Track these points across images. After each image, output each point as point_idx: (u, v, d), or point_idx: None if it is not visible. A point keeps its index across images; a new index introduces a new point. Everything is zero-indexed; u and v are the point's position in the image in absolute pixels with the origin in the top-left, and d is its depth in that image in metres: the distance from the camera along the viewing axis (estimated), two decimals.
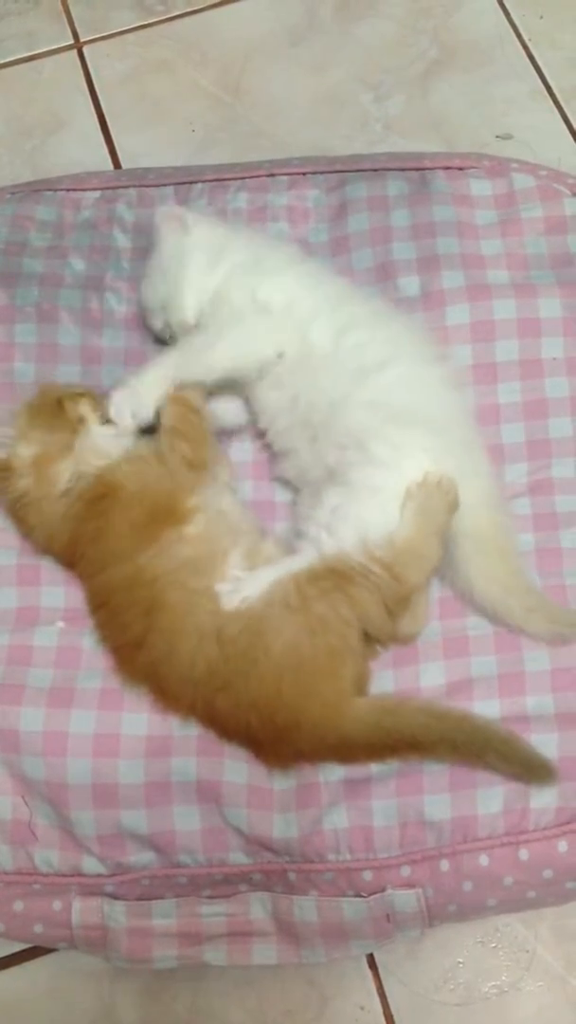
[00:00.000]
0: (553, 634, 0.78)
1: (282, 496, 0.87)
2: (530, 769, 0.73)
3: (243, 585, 0.76)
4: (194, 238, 0.87)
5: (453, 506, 0.77)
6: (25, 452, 0.80)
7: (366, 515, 0.76)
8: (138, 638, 0.76)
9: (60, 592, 0.83)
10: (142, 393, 0.80)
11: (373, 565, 0.74)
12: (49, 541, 0.81)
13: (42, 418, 0.81)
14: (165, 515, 0.77)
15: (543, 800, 0.75)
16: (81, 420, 0.81)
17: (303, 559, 0.76)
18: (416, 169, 0.98)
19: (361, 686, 0.76)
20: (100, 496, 0.78)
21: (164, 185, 1.01)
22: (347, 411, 0.79)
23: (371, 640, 0.77)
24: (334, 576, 0.74)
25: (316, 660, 0.73)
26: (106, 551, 0.78)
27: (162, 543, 0.77)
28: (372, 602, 0.74)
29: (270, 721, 0.73)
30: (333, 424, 0.80)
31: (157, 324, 0.89)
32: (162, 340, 0.89)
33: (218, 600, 0.75)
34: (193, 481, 0.79)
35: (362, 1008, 0.83)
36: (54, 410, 0.81)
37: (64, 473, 0.79)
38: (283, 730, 0.73)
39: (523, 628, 0.79)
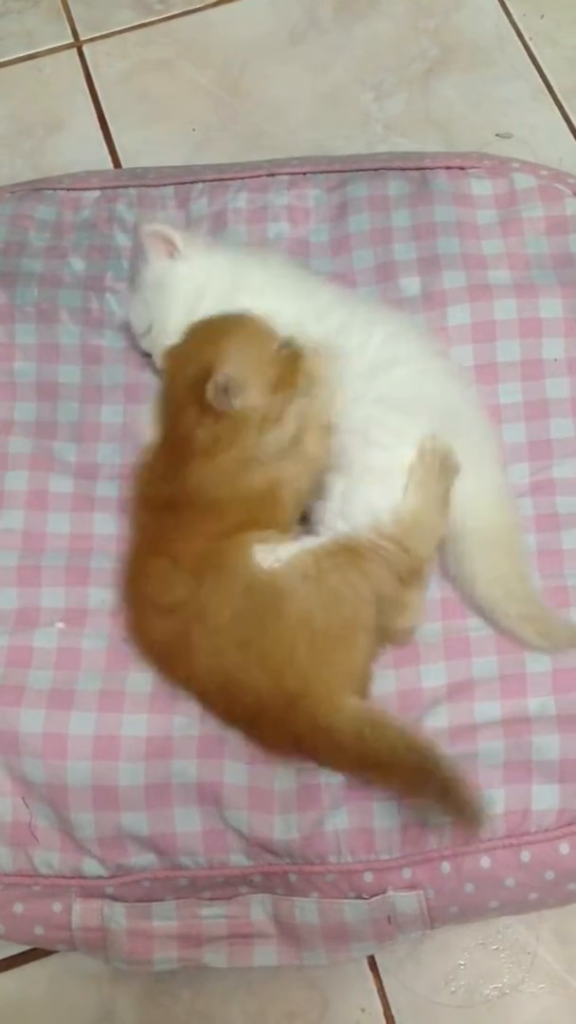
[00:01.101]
0: (543, 647, 0.78)
1: None
2: (464, 815, 0.72)
3: (279, 551, 0.76)
4: (181, 270, 0.86)
5: (452, 470, 0.78)
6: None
7: (372, 495, 0.77)
8: (174, 604, 0.76)
9: (60, 593, 0.83)
10: None
11: (383, 541, 0.75)
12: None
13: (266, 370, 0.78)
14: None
15: (545, 802, 0.74)
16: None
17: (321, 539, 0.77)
18: (417, 169, 0.98)
19: (363, 686, 0.76)
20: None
21: (164, 185, 1.01)
22: (356, 408, 0.80)
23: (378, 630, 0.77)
24: (347, 553, 0.75)
25: (330, 629, 0.74)
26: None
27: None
28: (385, 576, 0.75)
29: (279, 687, 0.73)
30: (341, 423, 0.80)
31: (144, 346, 0.89)
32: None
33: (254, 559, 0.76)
34: None
35: (363, 1010, 0.82)
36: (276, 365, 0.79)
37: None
38: (290, 698, 0.73)
39: (514, 633, 0.78)
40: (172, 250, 0.86)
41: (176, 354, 0.80)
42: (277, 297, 0.84)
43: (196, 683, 0.76)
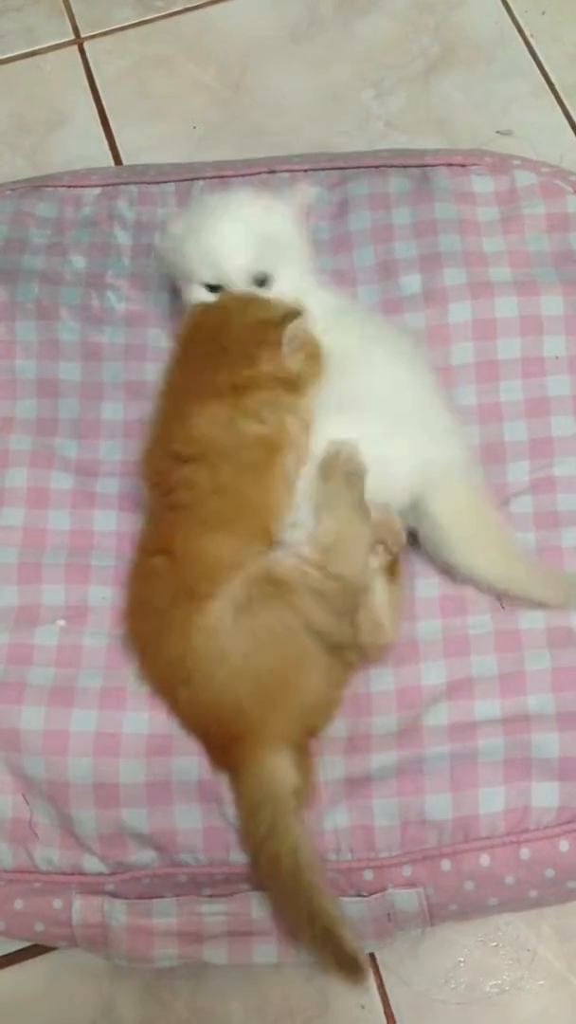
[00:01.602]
0: (560, 599, 0.79)
1: None
2: (341, 967, 0.69)
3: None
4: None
5: (359, 475, 0.75)
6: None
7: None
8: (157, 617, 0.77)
9: (61, 590, 0.83)
10: None
11: (308, 568, 0.73)
12: None
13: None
14: None
15: (544, 799, 0.74)
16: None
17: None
18: (418, 166, 0.98)
19: (322, 719, 0.77)
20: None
21: (165, 182, 1.01)
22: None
23: (339, 651, 0.76)
24: (273, 584, 0.73)
25: (270, 669, 0.73)
26: None
27: None
28: (315, 608, 0.73)
29: (221, 726, 0.74)
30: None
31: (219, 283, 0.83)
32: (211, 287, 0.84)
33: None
34: None
35: (363, 1007, 0.83)
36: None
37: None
38: (231, 739, 0.73)
39: (531, 597, 0.79)
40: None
41: (240, 302, 0.80)
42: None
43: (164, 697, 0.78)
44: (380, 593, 0.78)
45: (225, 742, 0.74)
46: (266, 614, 0.73)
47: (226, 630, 0.73)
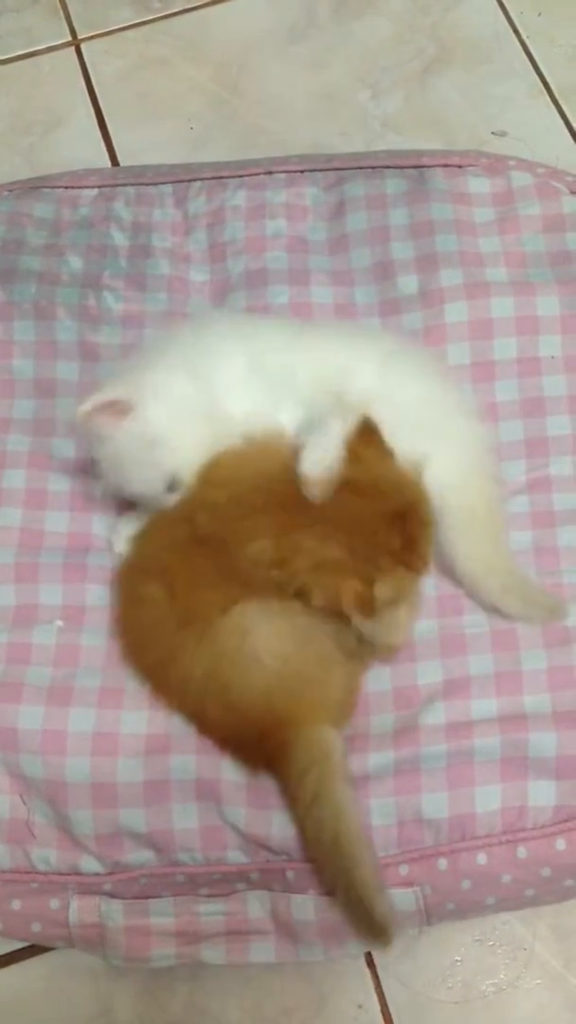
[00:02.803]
0: (527, 617, 0.79)
1: None
2: (367, 914, 0.71)
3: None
4: (152, 421, 0.75)
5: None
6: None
7: None
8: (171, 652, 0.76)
9: (58, 590, 0.83)
10: None
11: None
12: None
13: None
14: None
15: (541, 798, 0.75)
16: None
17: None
18: (414, 167, 0.98)
19: (346, 713, 0.77)
20: None
21: (162, 183, 1.01)
22: None
23: (357, 652, 0.77)
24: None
25: (304, 670, 0.74)
26: None
27: None
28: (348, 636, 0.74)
29: (254, 723, 0.73)
30: None
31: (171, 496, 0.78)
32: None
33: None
34: None
35: (360, 1006, 0.83)
36: None
37: None
38: (266, 730, 0.73)
39: (498, 607, 0.79)
40: (122, 411, 0.75)
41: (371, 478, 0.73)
42: (248, 392, 0.78)
43: (176, 709, 0.78)
44: (405, 594, 0.78)
45: (258, 736, 0.74)
46: (300, 617, 0.73)
47: (258, 632, 0.73)
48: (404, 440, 0.76)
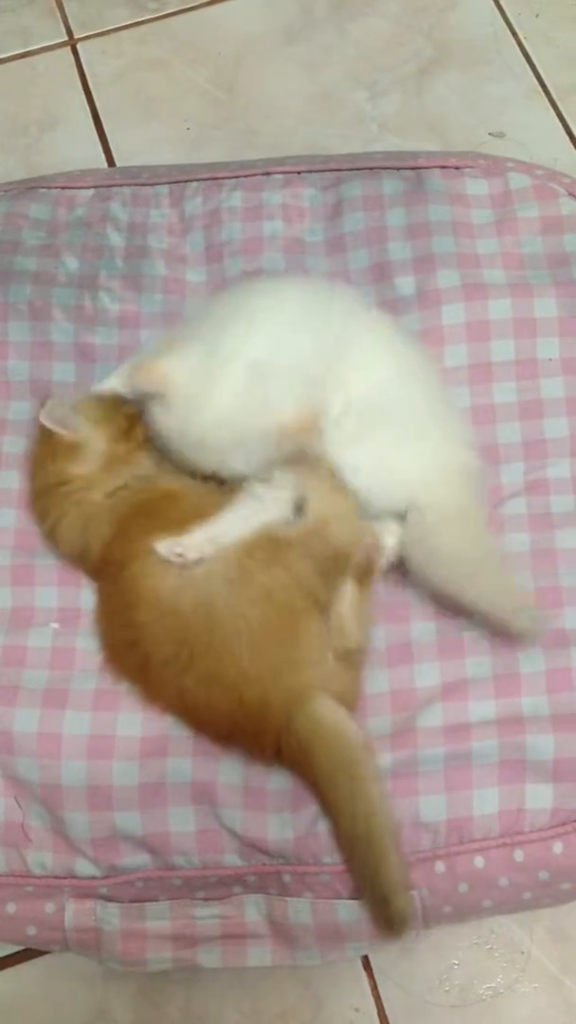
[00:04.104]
0: (518, 625, 0.77)
1: None
2: (385, 907, 0.71)
3: (183, 541, 0.76)
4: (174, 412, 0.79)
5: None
6: (96, 444, 0.81)
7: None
8: (132, 638, 0.77)
9: (54, 592, 0.83)
10: None
11: (300, 532, 0.76)
12: (70, 533, 0.81)
13: (113, 423, 0.82)
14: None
15: (538, 801, 0.74)
16: (145, 441, 0.83)
17: (237, 519, 0.77)
18: (412, 168, 0.98)
19: (349, 698, 0.77)
20: (158, 499, 0.80)
21: (158, 183, 1.00)
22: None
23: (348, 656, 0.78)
24: (268, 544, 0.76)
25: (269, 626, 0.74)
26: (130, 552, 0.78)
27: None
28: (306, 566, 0.76)
29: (239, 701, 0.73)
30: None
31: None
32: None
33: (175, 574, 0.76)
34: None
35: (357, 1010, 0.82)
36: (124, 421, 0.83)
37: (120, 478, 0.81)
38: (254, 710, 0.73)
39: (486, 610, 0.77)
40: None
41: None
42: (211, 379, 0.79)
43: (170, 711, 0.77)
44: (348, 597, 0.79)
45: (253, 718, 0.74)
46: (262, 576, 0.75)
47: (219, 599, 0.75)
48: (375, 436, 0.79)
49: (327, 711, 0.74)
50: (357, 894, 0.74)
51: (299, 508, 0.78)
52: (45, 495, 0.83)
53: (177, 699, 0.76)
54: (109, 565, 0.79)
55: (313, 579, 0.76)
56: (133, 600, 0.77)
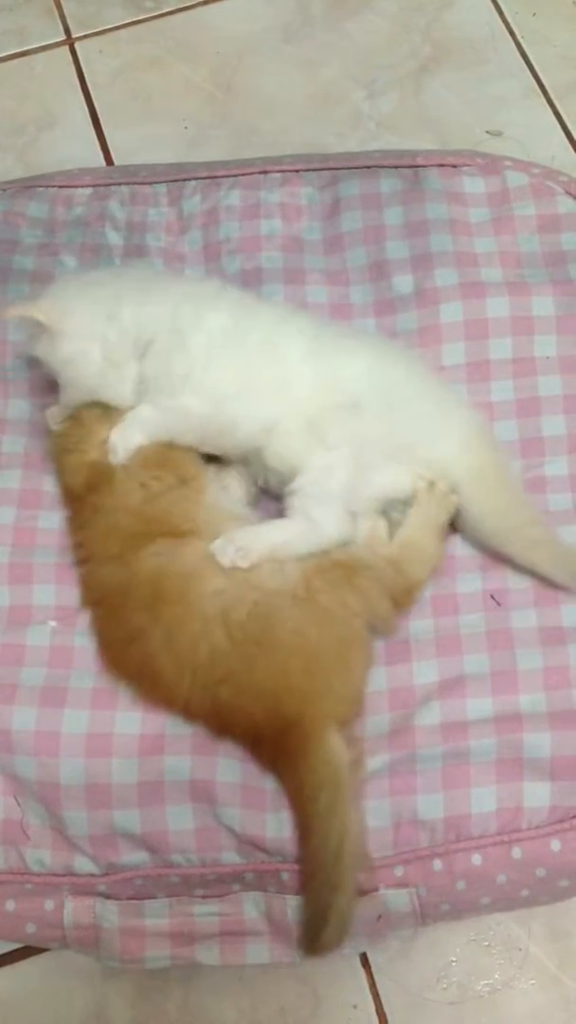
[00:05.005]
0: (559, 575, 0.80)
1: None
2: (318, 929, 0.71)
3: (237, 539, 0.77)
4: (67, 345, 0.81)
5: (450, 507, 0.81)
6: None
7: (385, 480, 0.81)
8: (133, 632, 0.77)
9: (52, 590, 0.83)
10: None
11: (380, 560, 0.78)
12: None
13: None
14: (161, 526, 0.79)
15: (536, 799, 0.75)
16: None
17: (299, 534, 0.79)
18: (409, 167, 0.98)
19: (359, 704, 0.77)
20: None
21: (156, 182, 1.01)
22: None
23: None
24: (340, 569, 0.77)
25: (325, 648, 0.75)
26: (100, 543, 0.80)
27: (159, 545, 0.78)
28: (377, 595, 0.77)
29: (276, 712, 0.73)
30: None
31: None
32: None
33: (220, 582, 0.76)
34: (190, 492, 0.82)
35: (355, 1007, 0.83)
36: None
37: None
38: (286, 724, 0.73)
39: (532, 565, 0.80)
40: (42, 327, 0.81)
41: None
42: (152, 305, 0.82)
43: (176, 710, 0.77)
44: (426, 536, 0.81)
45: (279, 731, 0.73)
46: (327, 598, 0.76)
47: (281, 614, 0.75)
48: (402, 420, 0.81)
49: (339, 744, 0.74)
50: (358, 889, 0.74)
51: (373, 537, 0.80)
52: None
53: (195, 703, 0.76)
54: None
55: (381, 605, 0.77)
56: (156, 592, 0.76)
